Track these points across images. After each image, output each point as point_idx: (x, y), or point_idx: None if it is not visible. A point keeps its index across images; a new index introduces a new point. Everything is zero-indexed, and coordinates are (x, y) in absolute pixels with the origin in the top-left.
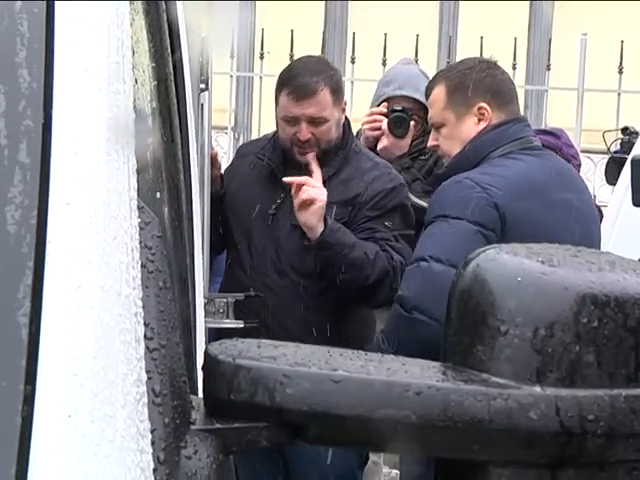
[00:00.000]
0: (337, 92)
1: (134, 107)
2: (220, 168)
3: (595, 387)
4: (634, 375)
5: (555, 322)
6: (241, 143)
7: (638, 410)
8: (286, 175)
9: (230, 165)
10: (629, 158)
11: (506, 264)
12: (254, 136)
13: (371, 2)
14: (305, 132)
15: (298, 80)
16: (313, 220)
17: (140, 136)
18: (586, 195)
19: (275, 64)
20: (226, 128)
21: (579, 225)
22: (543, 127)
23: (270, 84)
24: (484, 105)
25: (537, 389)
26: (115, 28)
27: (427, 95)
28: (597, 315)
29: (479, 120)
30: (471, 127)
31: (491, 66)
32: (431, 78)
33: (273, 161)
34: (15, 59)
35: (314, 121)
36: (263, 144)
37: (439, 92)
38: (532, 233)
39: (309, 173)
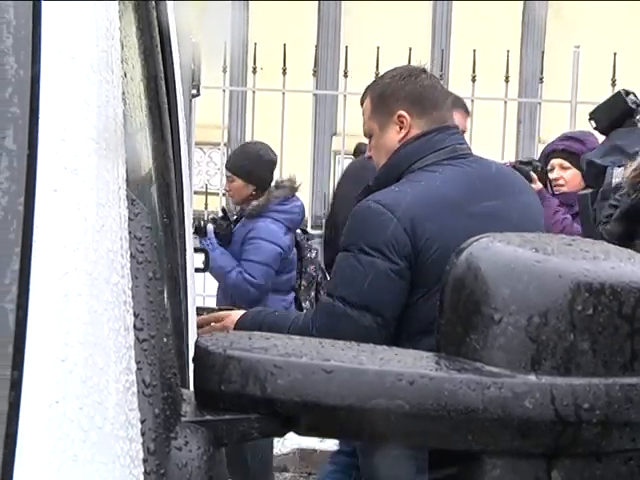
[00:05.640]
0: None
1: (123, 99)
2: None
3: (590, 375)
4: (629, 363)
5: (549, 310)
6: None
7: (634, 399)
8: None
9: None
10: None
11: (499, 252)
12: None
13: (363, 16)
14: None
15: None
16: None
17: (129, 128)
18: (521, 198)
19: (268, 78)
20: (219, 144)
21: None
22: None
23: (263, 98)
24: (403, 113)
25: (532, 377)
26: (103, 18)
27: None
28: (592, 303)
29: (400, 128)
30: (394, 136)
31: (414, 73)
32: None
33: None
34: (1, 46)
35: None
36: None
37: (367, 103)
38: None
39: None
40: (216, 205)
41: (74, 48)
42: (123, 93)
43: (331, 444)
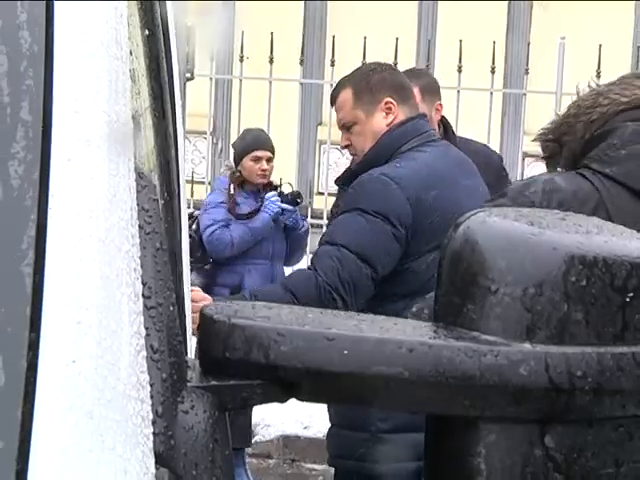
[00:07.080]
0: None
1: (130, 76)
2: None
3: (583, 344)
4: (621, 333)
5: (544, 281)
6: (220, 148)
7: (625, 367)
8: None
9: None
10: None
11: (496, 226)
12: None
13: (350, 5)
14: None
15: None
16: None
17: (134, 104)
18: (479, 180)
19: (255, 66)
20: (205, 133)
21: None
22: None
23: (250, 87)
24: (390, 100)
25: (527, 346)
26: None
27: (333, 102)
28: (585, 274)
29: (387, 114)
30: (380, 121)
31: (390, 66)
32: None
33: None
34: (16, 21)
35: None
36: None
37: (346, 95)
38: (450, 218)
39: None
40: (202, 194)
41: (86, 23)
42: (130, 70)
43: (315, 431)
